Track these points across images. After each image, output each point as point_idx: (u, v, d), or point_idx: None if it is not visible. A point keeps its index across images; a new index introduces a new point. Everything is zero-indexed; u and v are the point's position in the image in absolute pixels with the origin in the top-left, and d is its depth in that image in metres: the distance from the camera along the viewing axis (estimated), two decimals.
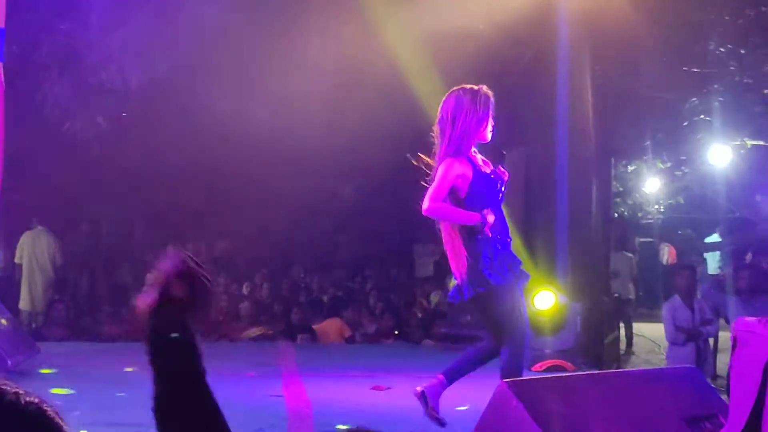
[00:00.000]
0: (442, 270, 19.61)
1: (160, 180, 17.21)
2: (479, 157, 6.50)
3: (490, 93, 6.50)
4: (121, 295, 15.98)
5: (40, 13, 13.84)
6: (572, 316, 10.94)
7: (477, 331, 10.58)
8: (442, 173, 6.34)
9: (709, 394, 5.47)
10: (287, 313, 15.10)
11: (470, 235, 6.38)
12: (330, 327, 14.46)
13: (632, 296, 17.14)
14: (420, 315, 15.49)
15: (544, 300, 10.78)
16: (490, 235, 6.32)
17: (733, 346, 4.43)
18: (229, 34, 13.72)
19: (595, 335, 11.72)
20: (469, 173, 6.37)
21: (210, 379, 2.40)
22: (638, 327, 16.42)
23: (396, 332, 14.38)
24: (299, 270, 18.48)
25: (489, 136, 6.47)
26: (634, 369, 11.84)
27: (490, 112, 6.43)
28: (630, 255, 18.06)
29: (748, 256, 19.03)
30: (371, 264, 19.69)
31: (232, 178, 18.27)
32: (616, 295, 13.83)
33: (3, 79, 11.27)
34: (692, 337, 11.49)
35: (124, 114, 15.63)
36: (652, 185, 20.54)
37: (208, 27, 13.59)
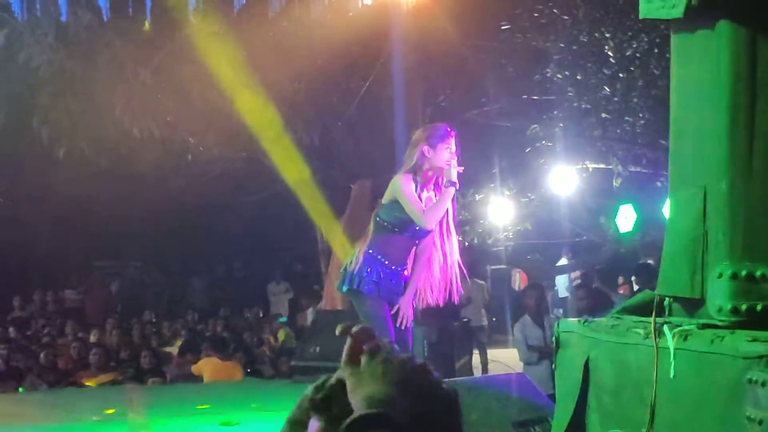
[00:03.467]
0: (296, 306, 19.66)
1: (4, 232, 16.83)
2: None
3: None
4: None
5: None
6: (418, 340, 10.97)
7: (326, 362, 10.59)
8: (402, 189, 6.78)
9: (538, 398, 5.53)
10: (136, 358, 14.80)
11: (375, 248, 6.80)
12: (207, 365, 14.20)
13: (485, 322, 17.32)
14: (269, 352, 15.47)
15: None
16: None
17: (556, 348, 4.48)
18: (59, 72, 13.51)
19: (445, 359, 11.77)
20: None
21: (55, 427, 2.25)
22: (493, 353, 16.54)
23: (248, 370, 14.24)
24: (150, 315, 18.23)
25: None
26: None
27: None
28: (481, 282, 18.26)
29: (595, 278, 19.46)
30: (225, 305, 19.57)
31: (78, 229, 18.00)
32: (465, 319, 13.93)
33: None
34: (545, 354, 11.55)
35: None
36: (499, 212, 20.79)
37: (40, 69, 13.36)
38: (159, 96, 13.73)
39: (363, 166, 14.53)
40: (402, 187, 6.75)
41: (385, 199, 6.91)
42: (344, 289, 6.86)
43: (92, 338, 15.93)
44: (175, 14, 11.75)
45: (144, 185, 16.44)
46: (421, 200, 6.77)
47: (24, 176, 15.49)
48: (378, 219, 6.90)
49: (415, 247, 6.94)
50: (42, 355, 14.29)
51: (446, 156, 6.81)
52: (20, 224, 17.05)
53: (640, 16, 4.16)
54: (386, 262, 6.79)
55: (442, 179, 6.79)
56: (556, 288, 21.24)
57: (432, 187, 6.92)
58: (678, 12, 3.82)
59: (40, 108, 13.98)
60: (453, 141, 6.87)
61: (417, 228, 6.79)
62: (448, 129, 6.93)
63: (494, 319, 19.67)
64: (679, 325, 3.68)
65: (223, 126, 14.13)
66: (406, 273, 6.95)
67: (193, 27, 12.20)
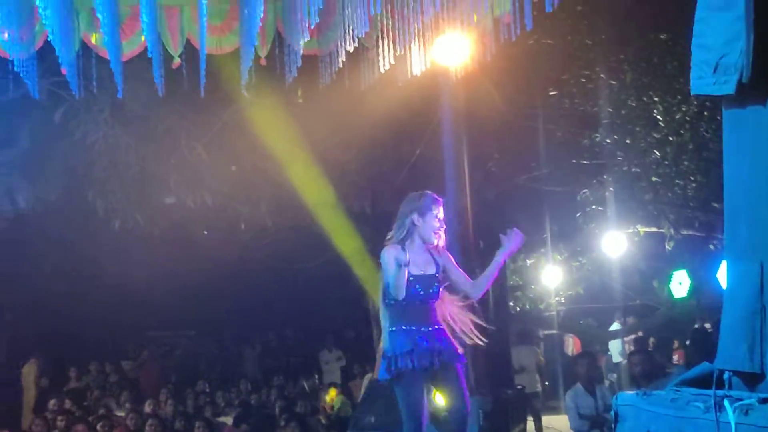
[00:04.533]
0: (349, 375, 19.63)
1: (60, 304, 17.03)
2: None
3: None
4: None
5: None
6: (473, 409, 10.90)
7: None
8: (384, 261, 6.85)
9: None
10: (191, 428, 14.84)
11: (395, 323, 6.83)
12: None
13: (539, 389, 17.21)
14: (324, 421, 15.41)
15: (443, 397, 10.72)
16: None
17: (615, 421, 4.47)
18: (114, 147, 13.76)
19: (500, 429, 11.70)
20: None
21: None
22: (547, 420, 16.43)
23: None
24: (204, 385, 18.28)
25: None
26: None
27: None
28: (534, 348, 18.18)
29: (650, 342, 19.31)
30: (277, 374, 19.59)
31: (132, 299, 18.16)
32: (519, 387, 13.86)
33: None
34: (596, 424, 11.48)
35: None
36: (551, 277, 20.76)
37: (96, 144, 13.62)
38: (212, 167, 13.94)
39: None
40: (383, 258, 6.85)
41: (383, 277, 6.94)
42: (385, 377, 6.88)
43: (147, 409, 15.99)
44: (227, 88, 11.92)
45: (197, 255, 16.60)
46: (417, 266, 6.82)
47: (80, 248, 15.70)
48: (384, 299, 6.94)
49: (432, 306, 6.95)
50: (98, 427, 14.36)
51: (435, 225, 6.91)
52: (75, 295, 17.25)
53: (692, 92, 4.21)
54: (413, 328, 6.81)
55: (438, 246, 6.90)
56: (609, 353, 21.06)
57: (427, 252, 6.96)
58: (729, 88, 3.86)
59: (96, 181, 14.22)
60: (441, 209, 6.96)
61: (421, 292, 6.82)
62: (435, 197, 7.02)
63: (547, 384, 19.51)
64: (740, 399, 3.67)
65: (274, 195, 14.30)
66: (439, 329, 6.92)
67: (246, 100, 12.38)
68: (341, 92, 11.60)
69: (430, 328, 6.87)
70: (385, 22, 9.69)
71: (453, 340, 6.96)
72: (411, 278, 6.82)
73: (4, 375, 17.85)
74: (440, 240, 6.95)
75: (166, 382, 18.55)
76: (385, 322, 6.98)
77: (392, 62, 9.86)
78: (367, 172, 14.51)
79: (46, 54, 10.00)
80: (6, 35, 9.61)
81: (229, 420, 15.88)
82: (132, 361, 20.29)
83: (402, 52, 9.95)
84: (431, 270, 6.95)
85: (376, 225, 14.87)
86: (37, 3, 8.68)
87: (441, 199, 7.04)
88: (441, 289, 6.98)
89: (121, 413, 15.81)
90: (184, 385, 18.42)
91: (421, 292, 6.87)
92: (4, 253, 15.18)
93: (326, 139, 13.41)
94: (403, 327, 6.83)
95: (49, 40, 9.50)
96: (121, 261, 16.87)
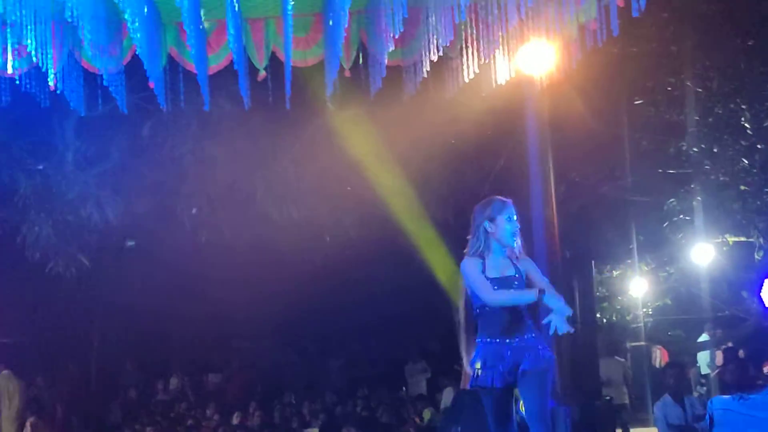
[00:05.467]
0: (435, 387, 19.58)
1: (147, 316, 17.22)
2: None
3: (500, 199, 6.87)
4: None
5: (15, 155, 14.03)
6: (561, 420, 10.82)
7: None
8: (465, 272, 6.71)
9: None
10: None
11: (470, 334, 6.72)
12: None
13: (627, 401, 17.01)
14: None
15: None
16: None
17: (710, 425, 4.41)
18: (201, 160, 13.94)
19: None
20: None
21: None
22: None
23: None
24: (290, 396, 18.39)
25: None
26: None
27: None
28: (622, 360, 17.99)
29: (740, 353, 18.96)
30: (362, 386, 19.61)
31: (217, 311, 18.31)
32: (608, 398, 13.73)
33: None
34: None
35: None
36: (638, 288, 20.53)
37: (183, 157, 13.80)
38: (298, 180, 14.04)
39: None
40: (463, 270, 6.76)
41: (466, 288, 6.88)
42: (473, 386, 6.83)
43: (235, 420, 16.13)
44: (312, 100, 12.00)
45: (281, 266, 16.69)
46: (495, 269, 6.75)
47: (167, 261, 15.89)
48: (467, 308, 6.90)
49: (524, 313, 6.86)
50: None
51: (508, 227, 6.80)
52: (162, 307, 17.44)
53: None
54: (498, 340, 6.70)
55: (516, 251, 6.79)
56: (697, 364, 20.75)
57: (507, 258, 6.89)
58: None
59: (183, 194, 14.40)
60: (512, 210, 6.85)
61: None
62: (503, 200, 6.86)
63: (634, 397, 19.28)
64: None
65: (358, 207, 14.35)
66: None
67: (331, 112, 12.45)
68: (425, 102, 11.61)
69: (516, 339, 6.77)
70: (469, 31, 9.68)
71: (544, 345, 6.85)
72: (490, 282, 6.77)
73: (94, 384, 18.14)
74: (517, 241, 6.86)
75: (252, 393, 18.70)
76: (472, 335, 6.92)
77: (476, 71, 9.84)
78: (450, 183, 14.50)
79: (133, 68, 10.11)
80: (95, 50, 9.76)
81: (316, 431, 15.95)
82: (219, 373, 20.50)
83: (486, 61, 9.92)
84: (509, 272, 6.87)
85: (459, 235, 14.85)
86: (126, 18, 8.79)
87: (509, 201, 6.94)
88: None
89: (209, 424, 15.97)
90: (270, 397, 18.52)
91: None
92: (94, 265, 15.44)
93: (409, 149, 13.43)
94: (487, 339, 6.72)
95: (137, 54, 9.63)
96: (206, 273, 17.04)
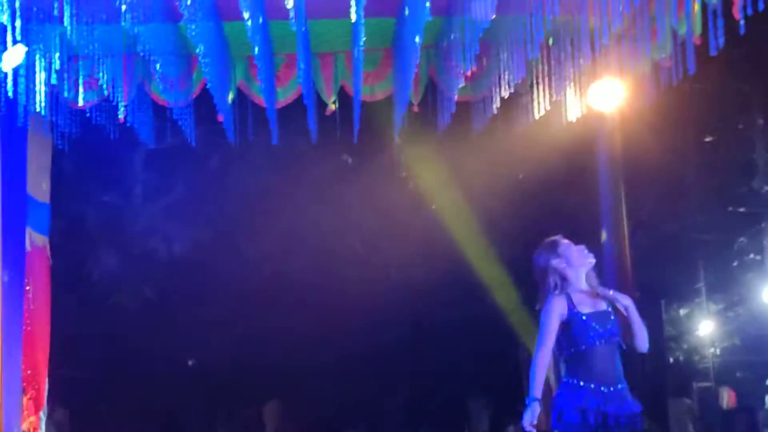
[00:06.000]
0: (497, 426, 19.37)
1: (210, 350, 17.21)
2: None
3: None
4: None
5: (84, 186, 14.12)
6: None
7: None
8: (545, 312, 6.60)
9: None
10: None
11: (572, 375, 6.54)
12: None
13: None
14: None
15: None
16: None
17: None
18: (267, 193, 13.97)
19: None
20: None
21: None
22: None
23: None
24: (353, 429, 18.30)
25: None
26: None
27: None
28: (688, 401, 17.70)
29: None
30: (424, 424, 19.46)
31: (279, 345, 18.26)
32: None
33: (49, 254, 11.44)
34: None
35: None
36: (706, 328, 20.25)
37: (250, 191, 13.85)
38: (363, 215, 14.01)
39: None
40: (546, 308, 6.59)
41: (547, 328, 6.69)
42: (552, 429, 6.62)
43: None
44: (380, 135, 11.95)
45: (344, 302, 16.62)
46: (586, 305, 6.59)
47: (231, 296, 15.88)
48: (561, 351, 6.64)
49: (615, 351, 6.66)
50: None
51: (576, 256, 6.67)
52: (225, 341, 17.42)
53: None
54: (592, 386, 6.41)
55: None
56: (766, 407, 20.35)
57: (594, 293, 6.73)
58: None
59: (248, 229, 14.43)
60: (568, 242, 6.74)
61: (599, 330, 6.53)
62: (557, 238, 6.81)
63: None
64: None
65: (424, 243, 14.27)
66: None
67: (398, 148, 12.41)
68: (493, 139, 11.54)
69: (612, 388, 6.52)
70: (540, 68, 9.60)
71: (634, 399, 6.66)
72: (584, 317, 6.55)
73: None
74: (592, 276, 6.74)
75: (312, 428, 18.60)
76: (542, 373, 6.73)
77: (547, 108, 9.75)
78: (518, 221, 14.35)
79: (202, 102, 10.14)
80: (165, 83, 9.81)
81: None
82: (280, 406, 20.41)
83: (557, 98, 9.83)
84: (602, 306, 6.69)
85: (525, 274, 14.71)
86: (197, 52, 8.81)
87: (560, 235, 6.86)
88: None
89: None
90: (329, 429, 18.42)
91: (600, 330, 6.53)
92: (158, 299, 15.51)
93: (477, 186, 13.35)
94: (581, 383, 6.48)
95: (207, 87, 9.65)
96: (269, 307, 16.99)
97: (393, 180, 13.58)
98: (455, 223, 13.45)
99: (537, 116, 10.02)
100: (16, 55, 8.56)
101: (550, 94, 9.71)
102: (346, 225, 14.12)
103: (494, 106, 9.95)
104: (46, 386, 11.18)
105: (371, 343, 19.38)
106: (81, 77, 9.66)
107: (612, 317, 6.60)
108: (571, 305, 6.54)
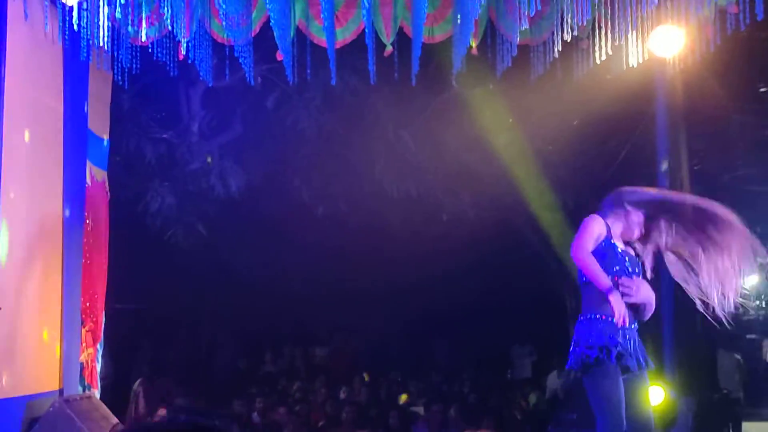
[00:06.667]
0: (540, 371, 19.44)
1: (259, 288, 17.35)
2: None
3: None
4: None
5: (142, 122, 14.21)
6: (684, 411, 10.65)
7: (584, 429, 10.40)
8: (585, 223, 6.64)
9: None
10: (385, 417, 14.94)
11: (590, 309, 6.47)
12: None
13: (741, 395, 16.70)
14: (519, 417, 15.27)
15: (654, 396, 10.49)
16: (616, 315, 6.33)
17: None
18: (322, 134, 14.00)
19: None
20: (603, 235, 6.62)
21: None
22: (747, 426, 15.91)
23: None
24: (396, 373, 18.41)
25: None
26: None
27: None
28: (735, 353, 17.65)
29: None
30: (468, 367, 19.55)
31: (328, 284, 18.37)
32: (725, 391, 13.47)
33: (108, 189, 11.55)
34: None
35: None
36: (751, 279, 20.11)
37: (306, 131, 13.88)
38: (418, 156, 14.01)
39: None
40: (586, 221, 6.64)
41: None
42: (573, 368, 6.63)
43: (342, 395, 16.18)
44: (437, 77, 11.90)
45: (395, 243, 16.67)
46: (622, 242, 6.57)
47: (283, 234, 16.01)
48: (582, 277, 6.65)
49: None
50: (297, 409, 14.60)
51: (636, 230, 6.66)
52: (275, 279, 17.56)
53: None
54: (610, 319, 6.46)
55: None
56: None
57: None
58: None
59: (302, 167, 14.48)
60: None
61: (629, 268, 6.55)
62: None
63: (749, 390, 18.89)
64: None
65: (478, 187, 14.25)
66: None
67: (456, 90, 12.37)
68: (552, 83, 11.46)
69: (633, 326, 6.59)
70: (602, 11, 9.51)
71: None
72: (620, 251, 6.61)
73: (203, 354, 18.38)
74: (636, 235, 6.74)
75: (359, 369, 18.75)
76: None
77: (609, 53, 9.67)
78: (573, 167, 14.31)
79: (260, 40, 10.15)
80: (225, 21, 9.82)
81: (421, 410, 15.92)
82: (326, 347, 20.60)
83: (618, 43, 9.75)
84: (632, 253, 6.76)
85: (576, 220, 14.68)
86: None
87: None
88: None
89: (316, 398, 16.04)
90: (376, 373, 18.56)
91: (629, 268, 6.61)
92: (212, 236, 15.62)
93: (533, 131, 13.31)
94: (600, 316, 6.52)
95: (265, 26, 9.66)
96: (320, 247, 17.10)
97: (449, 123, 13.53)
98: (509, 168, 13.42)
99: (598, 61, 9.92)
100: None
101: (611, 38, 9.62)
102: (400, 166, 14.12)
103: (555, 50, 9.89)
104: (104, 319, 11.35)
105: (418, 285, 19.48)
106: (144, 13, 9.69)
107: (638, 269, 6.64)
108: (609, 234, 6.57)
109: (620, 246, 6.68)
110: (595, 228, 6.56)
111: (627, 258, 6.66)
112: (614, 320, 6.39)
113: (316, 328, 20.82)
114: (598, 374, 6.42)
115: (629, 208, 6.73)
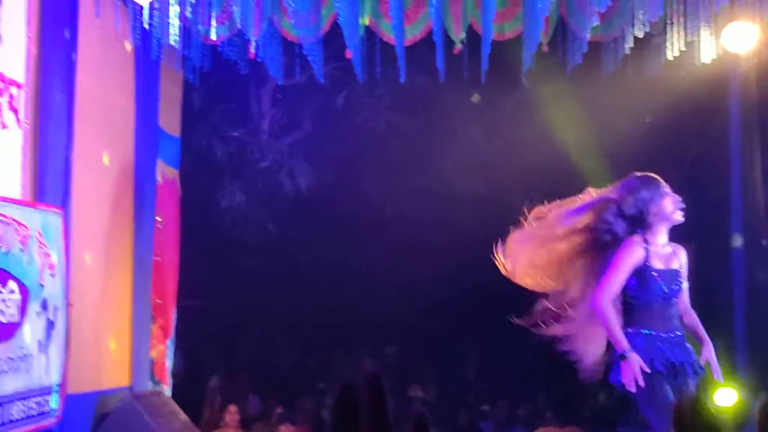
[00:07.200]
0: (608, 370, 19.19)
1: (329, 286, 17.36)
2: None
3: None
4: None
5: (213, 121, 14.32)
6: (756, 409, 10.46)
7: None
8: (620, 254, 6.48)
9: None
10: (454, 415, 14.94)
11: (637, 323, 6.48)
12: None
13: None
14: (588, 415, 15.20)
15: (726, 397, 10.34)
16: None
17: None
18: (391, 132, 14.01)
19: None
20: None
21: None
22: None
23: None
24: (467, 373, 18.36)
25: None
26: None
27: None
28: None
29: None
30: (539, 367, 19.40)
31: (398, 283, 18.34)
32: None
33: (179, 187, 11.67)
34: None
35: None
36: None
37: (375, 129, 13.90)
38: (487, 155, 13.94)
39: (689, 229, 14.15)
40: (623, 250, 6.51)
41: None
42: (618, 381, 6.47)
43: (411, 392, 16.17)
44: (507, 75, 11.82)
45: (465, 242, 16.59)
46: (659, 259, 6.43)
47: (352, 232, 16.00)
48: (624, 295, 6.56)
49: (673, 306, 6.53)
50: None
51: (672, 210, 6.50)
52: (344, 277, 17.56)
53: None
54: (653, 333, 6.42)
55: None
56: None
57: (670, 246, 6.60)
58: None
59: (370, 165, 14.49)
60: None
61: (665, 290, 6.41)
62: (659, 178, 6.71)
63: None
64: None
65: (549, 185, 14.11)
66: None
67: (526, 88, 12.30)
68: (623, 80, 11.34)
69: (671, 335, 6.45)
70: (674, 7, 9.40)
71: (691, 348, 6.56)
72: (654, 273, 6.44)
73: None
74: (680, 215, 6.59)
75: (429, 367, 18.71)
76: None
77: (682, 49, 9.55)
78: (644, 165, 14.07)
79: (329, 38, 10.17)
80: (295, 19, 9.85)
81: (489, 408, 15.89)
82: (396, 344, 20.54)
83: (690, 39, 9.62)
84: (675, 264, 6.59)
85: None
86: None
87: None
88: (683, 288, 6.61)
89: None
90: (446, 371, 18.51)
91: (665, 290, 6.48)
92: (281, 235, 15.69)
93: (603, 128, 13.15)
94: (642, 330, 6.45)
95: (335, 23, 9.67)
96: (389, 246, 17.07)
97: (519, 120, 13.44)
98: (580, 166, 13.28)
99: (670, 57, 9.80)
100: None
101: (684, 34, 9.50)
102: (470, 165, 14.06)
103: (626, 46, 9.80)
104: (174, 315, 11.46)
105: (489, 286, 19.35)
106: (214, 11, 9.76)
107: (680, 278, 6.49)
108: (647, 257, 6.43)
109: (657, 264, 6.51)
110: (628, 261, 6.47)
111: (662, 280, 6.49)
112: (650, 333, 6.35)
113: (385, 326, 20.76)
114: (647, 388, 6.33)
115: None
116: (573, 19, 9.89)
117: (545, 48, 10.17)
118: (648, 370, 6.26)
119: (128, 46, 9.96)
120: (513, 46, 10.53)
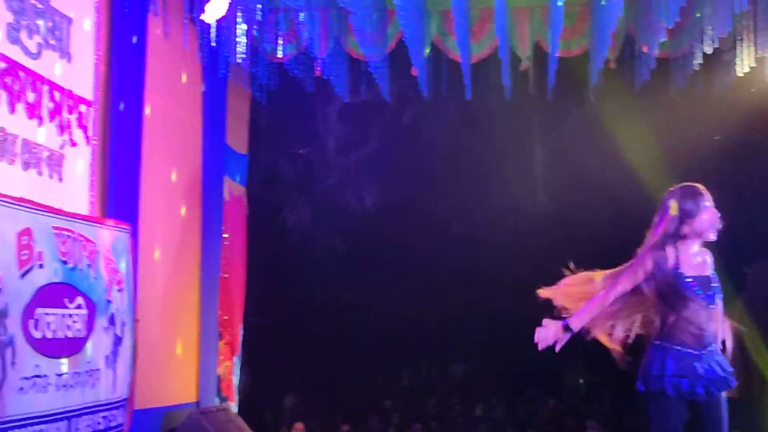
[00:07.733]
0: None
1: (395, 304, 17.37)
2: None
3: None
4: None
5: (280, 138, 14.40)
6: None
7: None
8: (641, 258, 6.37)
9: None
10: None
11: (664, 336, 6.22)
12: None
13: None
14: None
15: None
16: None
17: None
18: (457, 149, 13.98)
19: None
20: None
21: None
22: None
23: None
24: (533, 391, 18.26)
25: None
26: None
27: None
28: None
29: None
30: (605, 387, 19.25)
31: (463, 301, 18.30)
32: None
33: (246, 204, 11.74)
34: None
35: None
36: None
37: (441, 146, 13.89)
38: (554, 172, 13.87)
39: (758, 247, 13.97)
40: (643, 256, 6.36)
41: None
42: (640, 389, 6.22)
43: (478, 412, 16.13)
44: (575, 92, 11.73)
45: (531, 259, 16.49)
46: (690, 266, 6.28)
47: (418, 251, 15.98)
48: (660, 303, 6.23)
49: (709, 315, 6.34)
50: (432, 426, 14.62)
51: (710, 225, 6.29)
52: (410, 296, 17.55)
53: None
54: (687, 351, 6.08)
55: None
56: None
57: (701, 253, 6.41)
58: None
59: (437, 183, 14.48)
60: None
61: (701, 294, 6.21)
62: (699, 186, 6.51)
63: None
64: None
65: (615, 203, 14.01)
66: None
67: (592, 105, 12.21)
68: (692, 97, 11.22)
69: (704, 350, 6.23)
70: (743, 23, 9.29)
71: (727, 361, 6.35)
72: (689, 279, 6.24)
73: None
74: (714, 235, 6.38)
75: (495, 386, 18.62)
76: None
77: (753, 65, 9.43)
78: (712, 183, 13.92)
79: (396, 56, 10.18)
80: (361, 37, 9.88)
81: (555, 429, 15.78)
82: (462, 363, 20.49)
83: (760, 55, 9.50)
84: (707, 271, 6.39)
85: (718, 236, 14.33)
86: (395, 4, 8.86)
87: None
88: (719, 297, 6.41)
89: (451, 413, 16.02)
90: (512, 391, 18.39)
91: (701, 294, 6.28)
92: (348, 252, 15.72)
93: (672, 145, 12.99)
94: (675, 346, 6.14)
95: (401, 41, 9.68)
96: (455, 264, 17.03)
97: (585, 137, 13.35)
98: (647, 184, 13.14)
99: (740, 74, 9.68)
100: (219, 6, 8.76)
101: (754, 50, 9.38)
102: (536, 181, 13.99)
103: (695, 63, 9.70)
104: (241, 332, 11.51)
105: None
106: (281, 30, 9.84)
107: (714, 284, 6.30)
108: (676, 264, 6.24)
109: (690, 273, 6.31)
110: (648, 262, 6.35)
111: (697, 286, 6.31)
112: (682, 350, 6.20)
113: (453, 345, 20.70)
114: (660, 403, 6.18)
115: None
116: (641, 35, 9.81)
117: (612, 64, 10.12)
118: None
119: (196, 65, 10.06)
120: (580, 63, 10.46)
